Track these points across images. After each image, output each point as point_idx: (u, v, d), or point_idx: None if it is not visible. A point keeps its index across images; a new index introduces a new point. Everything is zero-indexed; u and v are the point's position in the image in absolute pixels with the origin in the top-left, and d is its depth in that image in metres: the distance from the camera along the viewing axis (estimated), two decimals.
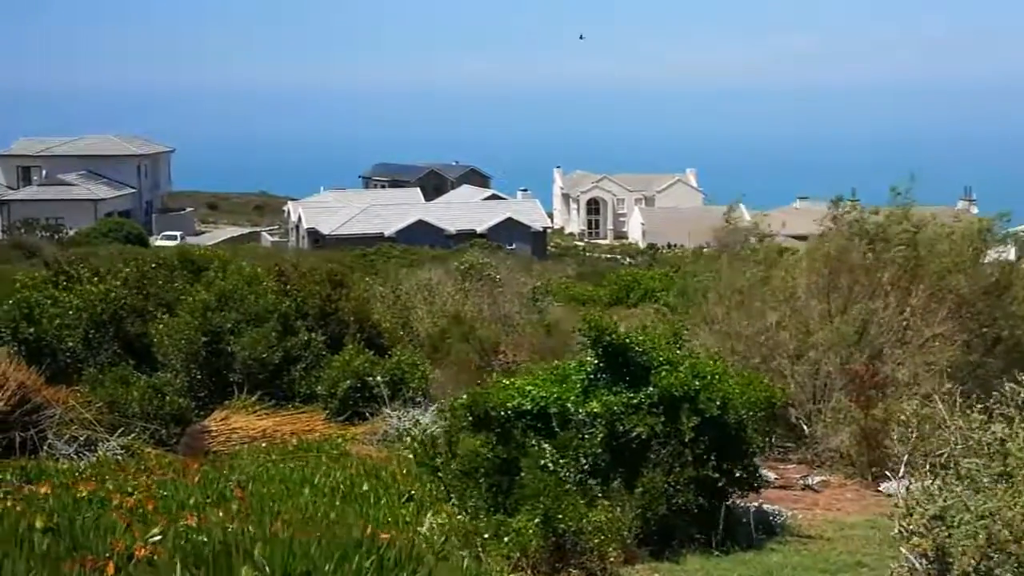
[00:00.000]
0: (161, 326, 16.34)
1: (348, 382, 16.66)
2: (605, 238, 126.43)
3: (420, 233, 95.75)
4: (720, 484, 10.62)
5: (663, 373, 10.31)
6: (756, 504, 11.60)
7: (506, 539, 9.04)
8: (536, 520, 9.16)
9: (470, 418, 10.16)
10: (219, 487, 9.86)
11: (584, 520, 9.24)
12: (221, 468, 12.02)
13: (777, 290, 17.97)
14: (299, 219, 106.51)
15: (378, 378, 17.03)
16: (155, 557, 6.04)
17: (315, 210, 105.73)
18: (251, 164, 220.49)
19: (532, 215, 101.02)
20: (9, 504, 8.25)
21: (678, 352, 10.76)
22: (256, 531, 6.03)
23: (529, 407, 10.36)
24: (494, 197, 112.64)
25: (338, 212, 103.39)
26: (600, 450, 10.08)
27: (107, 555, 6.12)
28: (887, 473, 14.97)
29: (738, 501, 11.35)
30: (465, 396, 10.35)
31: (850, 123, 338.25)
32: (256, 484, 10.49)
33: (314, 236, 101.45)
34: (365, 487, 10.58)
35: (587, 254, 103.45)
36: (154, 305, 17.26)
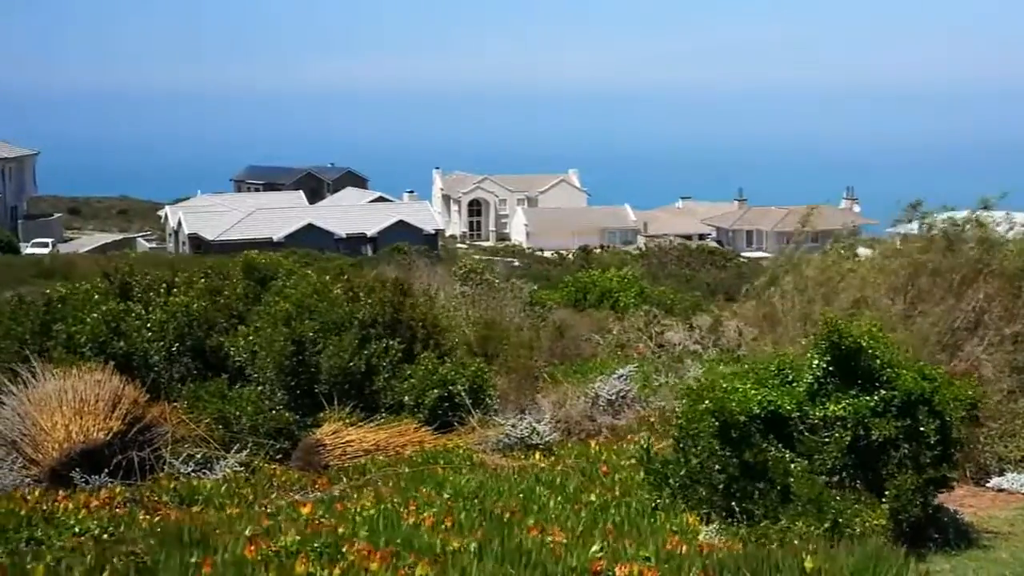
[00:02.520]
0: (251, 337, 15.78)
1: (436, 391, 16.35)
2: (487, 239, 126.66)
3: (310, 237, 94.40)
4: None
5: (898, 376, 10.36)
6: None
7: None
8: (825, 525, 9.13)
9: (716, 424, 10.06)
10: (480, 501, 9.58)
11: (867, 523, 9.25)
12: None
13: (844, 290, 18.20)
14: (179, 224, 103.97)
15: (459, 386, 16.81)
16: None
17: (196, 215, 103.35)
18: (108, 167, 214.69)
19: (423, 218, 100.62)
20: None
21: (895, 355, 10.82)
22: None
23: (758, 411, 10.32)
24: (381, 199, 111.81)
25: (222, 217, 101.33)
26: (841, 454, 10.09)
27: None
28: (985, 470, 15.38)
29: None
30: (708, 402, 10.24)
31: (727, 125, 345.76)
32: (490, 496, 10.20)
33: (196, 242, 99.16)
34: (592, 497, 10.41)
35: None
36: (225, 316, 16.66)
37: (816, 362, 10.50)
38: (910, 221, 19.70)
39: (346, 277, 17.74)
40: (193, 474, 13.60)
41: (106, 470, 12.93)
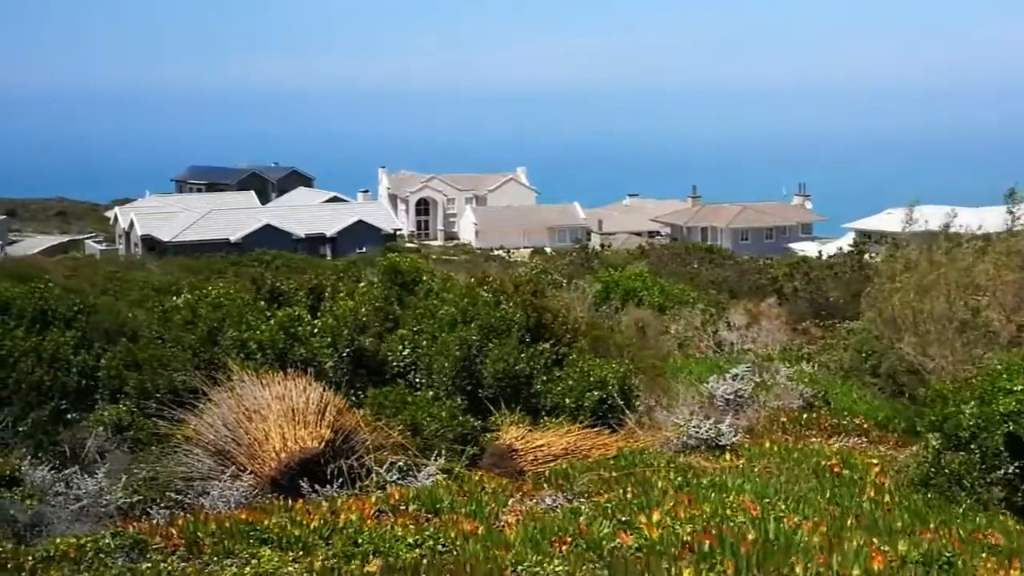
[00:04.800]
0: (424, 342, 15.68)
1: (596, 393, 16.39)
2: (436, 239, 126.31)
3: (267, 238, 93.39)
4: None
5: None
6: None
7: None
8: None
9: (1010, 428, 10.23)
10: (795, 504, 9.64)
11: None
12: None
13: (966, 285, 18.42)
14: (131, 225, 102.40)
15: (612, 388, 16.88)
16: None
17: (149, 216, 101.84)
18: (39, 167, 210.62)
19: (382, 217, 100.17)
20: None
21: None
22: None
23: None
24: (336, 199, 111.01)
25: (176, 218, 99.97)
26: None
27: None
28: None
29: None
30: (1013, 403, 10.39)
31: (668, 123, 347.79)
32: (790, 498, 10.26)
33: (149, 243, 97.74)
34: (886, 497, 10.51)
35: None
36: (379, 320, 16.54)
37: None
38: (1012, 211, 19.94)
39: (491, 280, 17.65)
40: (399, 482, 13.50)
41: (333, 479, 12.78)
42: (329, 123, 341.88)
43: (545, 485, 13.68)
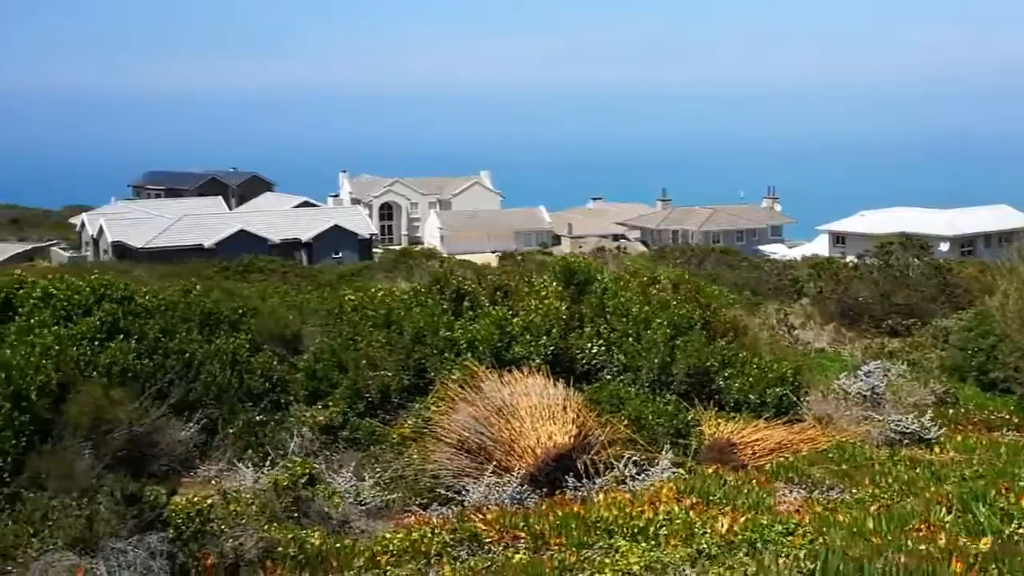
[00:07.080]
0: (630, 340, 15.94)
1: (779, 388, 16.75)
2: (400, 244, 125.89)
3: (241, 244, 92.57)
4: None
5: None
6: None
7: None
8: None
9: None
10: None
11: None
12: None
13: None
14: (100, 232, 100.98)
15: (789, 383, 17.26)
16: None
17: (119, 222, 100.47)
18: None
19: (358, 222, 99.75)
20: None
21: None
22: None
23: None
24: (307, 204, 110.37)
25: (147, 223, 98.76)
26: None
27: None
28: None
29: None
30: None
31: (626, 126, 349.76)
32: None
33: (120, 250, 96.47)
34: None
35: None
36: (566, 318, 16.76)
37: None
38: None
39: (654, 279, 17.96)
40: (636, 477, 13.74)
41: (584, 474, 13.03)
42: (276, 128, 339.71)
43: (776, 479, 13.99)
